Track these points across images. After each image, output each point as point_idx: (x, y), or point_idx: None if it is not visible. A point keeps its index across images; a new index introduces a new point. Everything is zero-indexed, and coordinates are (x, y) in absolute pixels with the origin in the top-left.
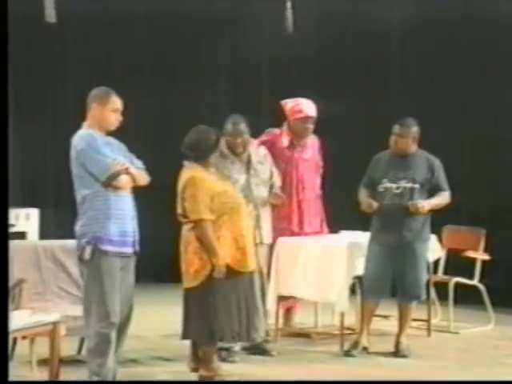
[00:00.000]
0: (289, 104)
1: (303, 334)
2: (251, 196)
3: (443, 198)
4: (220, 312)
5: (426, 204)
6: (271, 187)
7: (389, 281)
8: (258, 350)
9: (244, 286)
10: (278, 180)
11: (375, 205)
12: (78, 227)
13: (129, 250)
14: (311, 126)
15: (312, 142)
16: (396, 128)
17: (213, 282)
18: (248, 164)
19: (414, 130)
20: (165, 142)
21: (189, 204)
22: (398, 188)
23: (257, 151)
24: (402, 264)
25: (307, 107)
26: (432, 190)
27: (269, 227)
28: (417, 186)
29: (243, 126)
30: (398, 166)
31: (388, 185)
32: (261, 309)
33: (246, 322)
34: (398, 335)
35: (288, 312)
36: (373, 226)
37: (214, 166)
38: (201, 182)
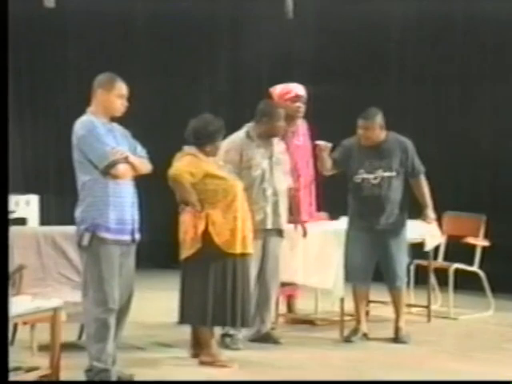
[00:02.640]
0: (277, 89)
1: (305, 321)
2: (272, 181)
3: (427, 190)
4: (209, 295)
5: (432, 213)
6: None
7: (373, 266)
8: (266, 339)
9: (233, 270)
10: (290, 180)
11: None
12: (78, 213)
13: (127, 237)
14: (302, 105)
15: (302, 128)
16: (360, 122)
17: (206, 258)
18: (271, 151)
19: (379, 118)
20: (166, 129)
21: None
22: (375, 178)
23: (277, 143)
24: (385, 250)
25: (296, 87)
26: (408, 173)
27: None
28: (394, 173)
29: (283, 112)
30: (373, 156)
31: (365, 175)
32: (269, 296)
33: (240, 307)
34: (396, 321)
35: (290, 299)
36: (351, 215)
37: (240, 147)
38: (194, 158)
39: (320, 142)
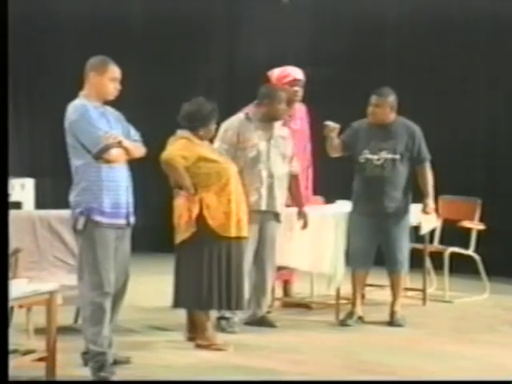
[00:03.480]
0: (275, 72)
1: (301, 304)
2: (268, 163)
3: (430, 178)
4: (204, 279)
5: (432, 203)
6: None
7: (374, 251)
8: (261, 322)
9: (228, 253)
10: (296, 166)
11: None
12: (72, 197)
13: (122, 221)
14: (299, 89)
15: (300, 112)
16: (373, 98)
17: (200, 241)
18: (270, 134)
19: (391, 99)
20: (160, 113)
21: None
22: (379, 159)
23: (280, 127)
24: (387, 234)
25: (294, 71)
26: (413, 159)
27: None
28: (397, 156)
29: (285, 95)
30: (379, 137)
31: (369, 156)
32: (266, 280)
33: (235, 290)
34: (392, 304)
35: (286, 283)
36: (354, 197)
37: (238, 128)
38: (187, 142)
39: (329, 123)
